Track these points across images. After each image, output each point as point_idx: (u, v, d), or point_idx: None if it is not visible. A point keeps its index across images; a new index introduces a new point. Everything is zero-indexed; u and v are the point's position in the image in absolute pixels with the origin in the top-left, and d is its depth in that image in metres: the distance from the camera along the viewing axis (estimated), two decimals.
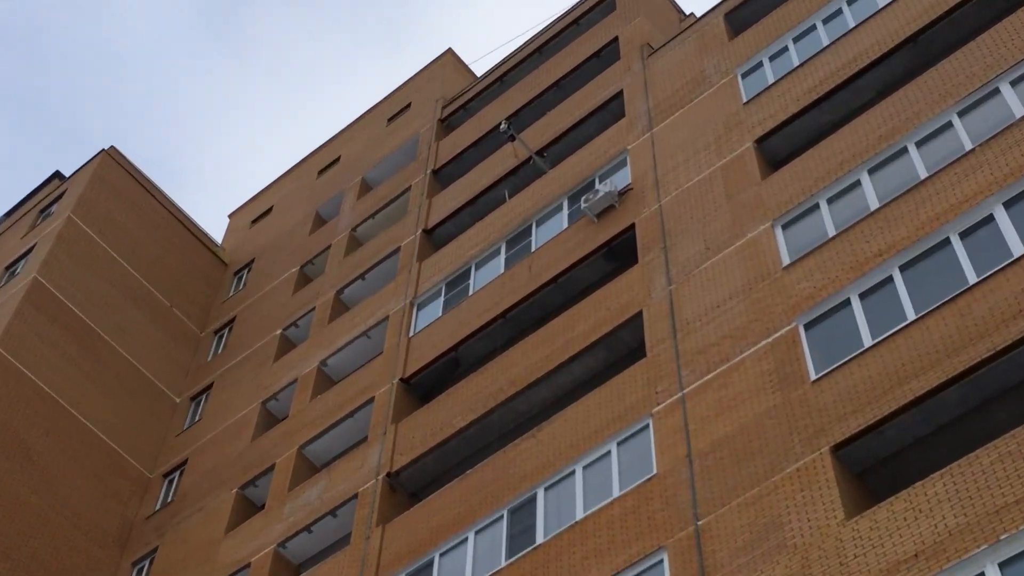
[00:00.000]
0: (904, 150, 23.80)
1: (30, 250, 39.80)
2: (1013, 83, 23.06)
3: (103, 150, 44.18)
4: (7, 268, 39.97)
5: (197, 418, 37.60)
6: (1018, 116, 22.19)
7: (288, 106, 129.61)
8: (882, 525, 17.76)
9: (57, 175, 46.13)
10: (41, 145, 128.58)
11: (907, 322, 20.31)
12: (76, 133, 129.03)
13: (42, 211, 43.16)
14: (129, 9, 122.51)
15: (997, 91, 23.17)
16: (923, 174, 22.86)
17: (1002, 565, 16.26)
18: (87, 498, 33.50)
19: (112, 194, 42.66)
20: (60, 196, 43.10)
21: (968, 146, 22.55)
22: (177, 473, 35.69)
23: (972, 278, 20.10)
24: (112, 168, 43.71)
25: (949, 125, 23.45)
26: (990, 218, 20.87)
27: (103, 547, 33.02)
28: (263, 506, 31.65)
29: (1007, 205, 20.82)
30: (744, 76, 30.14)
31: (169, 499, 34.79)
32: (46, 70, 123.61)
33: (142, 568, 32.77)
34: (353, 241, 39.77)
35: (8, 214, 46.60)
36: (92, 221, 40.77)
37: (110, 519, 33.81)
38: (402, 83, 47.22)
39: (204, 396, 38.50)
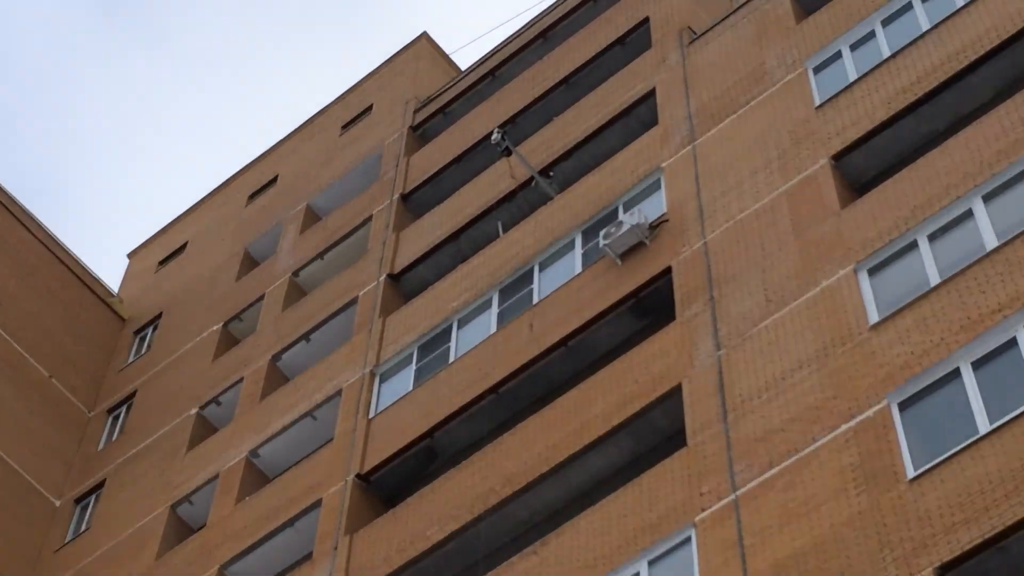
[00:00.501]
0: None
1: None
2: None
3: None
4: None
5: (83, 527, 37.37)
6: None
7: (209, 110, 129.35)
8: None
9: None
10: None
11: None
12: None
13: None
14: None
15: None
16: None
17: None
18: None
19: None
20: None
21: None
22: None
23: None
24: None
25: None
26: None
27: None
28: None
29: None
30: (817, 70, 30.17)
31: None
32: None
33: None
34: (295, 289, 39.89)
35: None
36: None
37: None
38: (361, 78, 47.44)
39: (93, 498, 38.34)
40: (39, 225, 44.97)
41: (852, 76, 29.17)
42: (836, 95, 28.88)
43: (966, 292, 22.56)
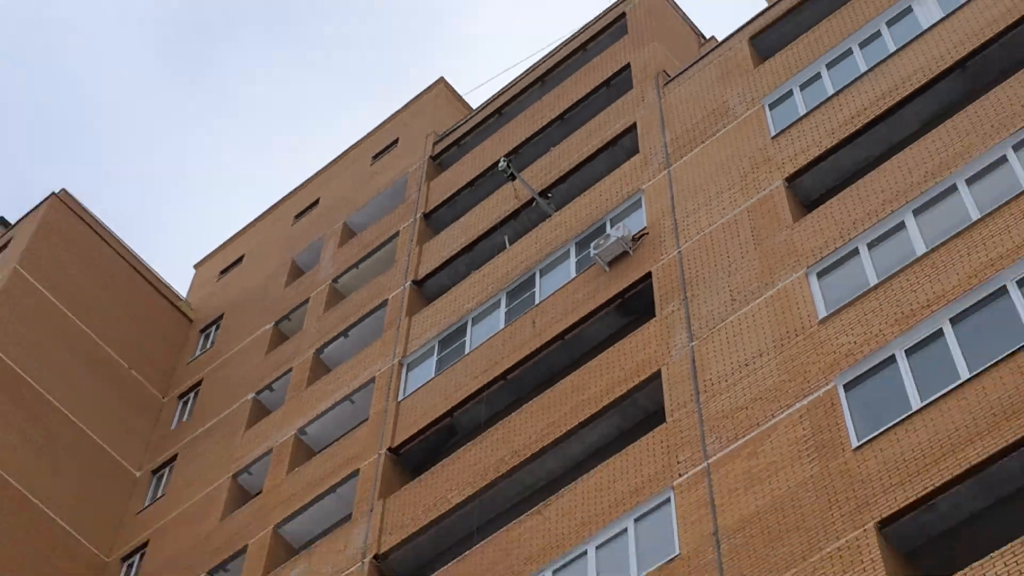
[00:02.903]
0: (953, 188, 23.70)
1: None
2: None
3: (52, 193, 43.99)
4: None
5: (159, 494, 37.24)
6: None
7: (261, 146, 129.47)
8: None
9: (1, 221, 45.99)
10: None
11: (960, 382, 20.13)
12: (25, 183, 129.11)
13: None
14: (82, 48, 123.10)
15: None
16: (975, 215, 22.75)
17: None
18: None
19: (63, 243, 42.44)
20: (4, 246, 42.91)
21: None
22: (137, 557, 35.21)
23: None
24: (63, 214, 43.49)
25: (1004, 160, 23.32)
26: None
27: None
28: None
29: None
30: (772, 106, 30.05)
31: None
32: None
33: None
34: (334, 294, 39.60)
35: None
36: (41, 274, 40.60)
37: None
38: (388, 117, 47.06)
39: (167, 469, 38.17)
40: (120, 242, 44.63)
41: (802, 111, 29.06)
42: (789, 127, 28.75)
43: (900, 291, 22.51)
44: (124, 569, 35.23)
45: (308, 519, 31.57)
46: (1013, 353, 19.83)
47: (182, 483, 36.75)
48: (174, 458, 38.33)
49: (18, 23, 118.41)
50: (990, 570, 17.41)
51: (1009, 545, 17.56)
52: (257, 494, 34.09)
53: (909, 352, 21.50)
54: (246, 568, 31.32)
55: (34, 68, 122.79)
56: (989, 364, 19.97)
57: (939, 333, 21.33)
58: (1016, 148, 23.38)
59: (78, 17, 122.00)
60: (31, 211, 43.97)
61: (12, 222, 45.05)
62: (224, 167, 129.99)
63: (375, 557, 27.95)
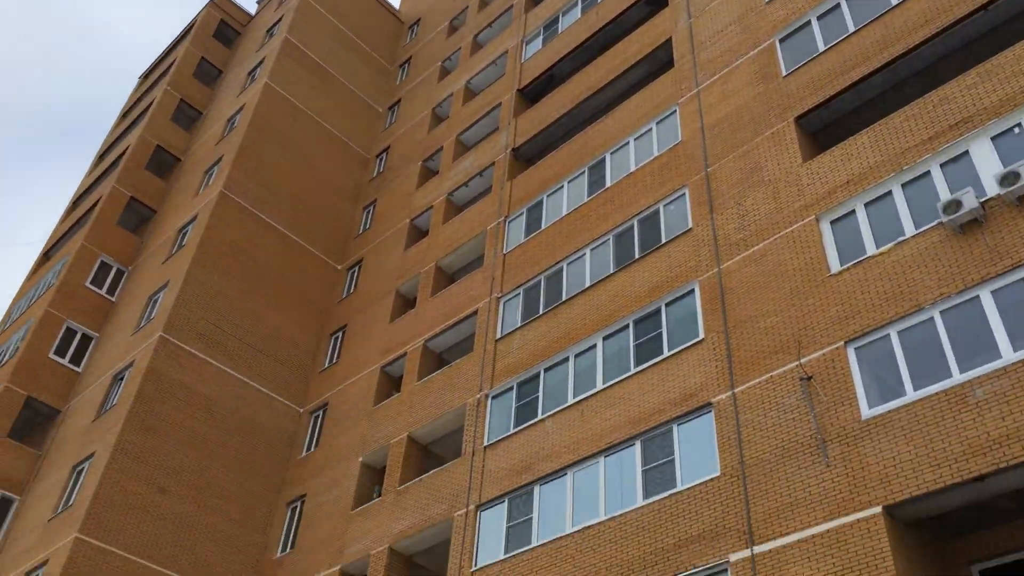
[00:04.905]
0: None
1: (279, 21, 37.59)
2: None
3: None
4: (267, 31, 38.03)
5: (368, 226, 32.74)
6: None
7: None
8: (826, 165, 17.33)
9: None
10: None
11: (848, 33, 19.07)
12: None
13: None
14: None
15: None
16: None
17: (904, 185, 15.89)
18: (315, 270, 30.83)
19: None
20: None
21: None
22: (357, 268, 31.36)
23: (895, 0, 18.77)
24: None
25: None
26: None
27: (310, 315, 30.04)
28: (427, 232, 29.34)
29: None
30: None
31: (352, 290, 30.92)
32: None
33: (337, 337, 29.21)
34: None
35: None
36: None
37: (317, 297, 30.32)
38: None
39: (371, 207, 33.26)
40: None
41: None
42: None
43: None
44: (348, 276, 31.58)
45: (463, 192, 29.27)
46: (880, 16, 18.42)
47: (381, 216, 32.22)
48: (374, 201, 32.99)
49: None
50: (860, 140, 16.99)
51: (871, 126, 17.05)
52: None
53: (819, 17, 19.98)
54: (434, 218, 28.93)
55: None
56: (866, 22, 18.61)
57: (837, 5, 19.73)
58: None
59: None
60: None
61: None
62: None
63: (513, 149, 27.67)
